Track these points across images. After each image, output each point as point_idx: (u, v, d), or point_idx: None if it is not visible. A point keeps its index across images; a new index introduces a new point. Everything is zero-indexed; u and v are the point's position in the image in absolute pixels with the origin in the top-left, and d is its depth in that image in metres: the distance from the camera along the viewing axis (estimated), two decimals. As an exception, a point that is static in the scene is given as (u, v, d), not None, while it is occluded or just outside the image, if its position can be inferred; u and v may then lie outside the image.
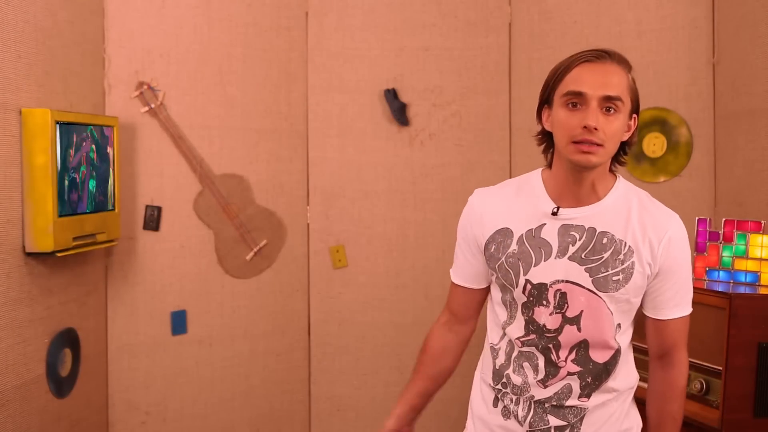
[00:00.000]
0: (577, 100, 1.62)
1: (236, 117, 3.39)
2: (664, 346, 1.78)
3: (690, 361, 2.42)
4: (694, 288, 2.42)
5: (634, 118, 1.71)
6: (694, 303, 2.35)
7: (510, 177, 3.54)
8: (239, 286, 3.42)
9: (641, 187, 3.36)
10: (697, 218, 2.65)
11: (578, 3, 3.36)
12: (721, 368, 2.30)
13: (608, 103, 1.62)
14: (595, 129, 1.60)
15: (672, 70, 3.17)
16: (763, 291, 2.38)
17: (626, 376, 1.77)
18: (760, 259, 2.49)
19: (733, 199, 2.95)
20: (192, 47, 3.28)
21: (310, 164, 3.56)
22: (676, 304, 1.75)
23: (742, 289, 2.41)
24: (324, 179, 3.57)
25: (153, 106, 3.20)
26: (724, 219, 2.60)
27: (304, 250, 3.57)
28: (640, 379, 1.84)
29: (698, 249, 2.62)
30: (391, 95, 3.52)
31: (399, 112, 3.52)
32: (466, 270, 1.86)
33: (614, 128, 1.63)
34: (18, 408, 2.48)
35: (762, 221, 2.51)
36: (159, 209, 3.24)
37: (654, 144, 3.19)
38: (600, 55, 1.65)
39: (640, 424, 1.83)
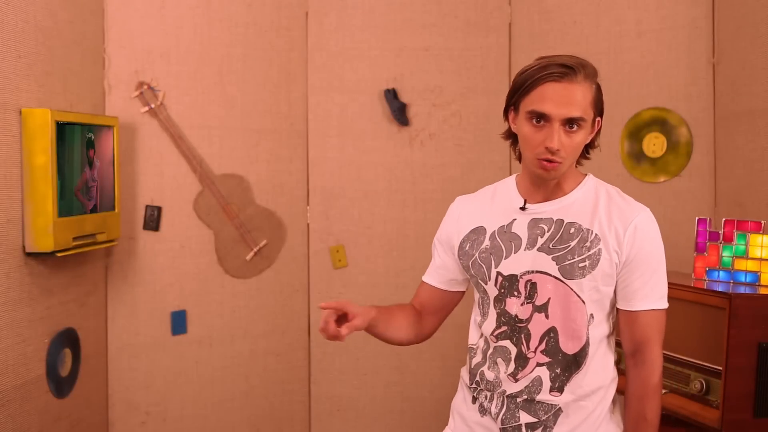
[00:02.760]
0: (540, 118, 1.68)
1: (236, 117, 3.39)
2: (635, 341, 1.77)
3: (690, 361, 2.43)
4: (694, 288, 2.44)
5: (598, 121, 1.77)
6: (694, 303, 2.36)
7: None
8: (239, 286, 3.42)
9: (641, 187, 3.37)
10: (697, 218, 2.65)
11: (578, 3, 3.36)
12: (721, 368, 2.30)
13: (571, 122, 1.68)
14: (557, 150, 1.67)
15: (672, 70, 3.17)
16: (763, 291, 2.37)
17: (599, 372, 1.76)
18: (760, 259, 2.49)
19: (733, 199, 2.95)
20: (192, 47, 3.28)
21: (310, 164, 3.57)
22: (645, 296, 1.75)
23: (742, 289, 2.41)
24: (324, 179, 3.57)
25: (153, 106, 3.20)
26: (724, 219, 2.60)
27: (304, 250, 3.57)
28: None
29: (698, 249, 2.62)
30: (391, 95, 3.52)
31: (399, 112, 3.52)
32: (438, 270, 1.95)
33: (576, 143, 1.70)
34: (18, 408, 2.48)
35: (762, 221, 2.51)
36: (159, 209, 3.24)
37: (654, 144, 3.19)
38: (566, 73, 1.67)
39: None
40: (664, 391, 2.50)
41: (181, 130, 3.27)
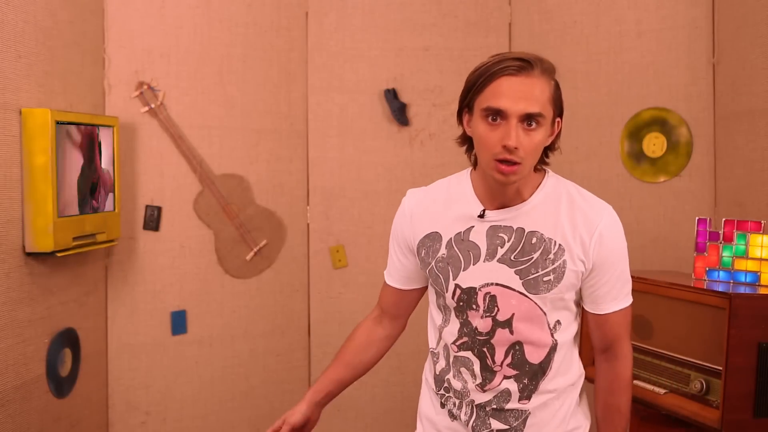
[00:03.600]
0: (497, 115, 1.58)
1: (236, 117, 3.39)
2: (606, 340, 1.77)
3: (690, 361, 2.43)
4: (694, 288, 2.44)
5: (558, 122, 1.68)
6: (694, 303, 2.36)
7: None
8: (239, 286, 3.42)
9: (641, 187, 3.37)
10: (697, 218, 2.65)
11: (578, 3, 3.36)
12: (721, 368, 2.30)
13: (528, 119, 1.58)
14: (516, 148, 1.57)
15: (672, 70, 3.17)
16: (763, 291, 2.37)
17: (565, 373, 1.74)
18: (760, 259, 2.49)
19: (733, 199, 2.95)
20: (192, 47, 3.28)
21: (310, 164, 3.57)
22: (613, 298, 1.72)
23: (742, 289, 2.41)
24: (324, 179, 3.57)
25: (153, 106, 3.20)
26: (724, 219, 2.60)
27: (304, 250, 3.57)
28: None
29: (698, 249, 2.62)
30: (391, 95, 3.52)
31: (399, 112, 3.52)
32: (399, 272, 1.87)
33: (535, 143, 1.60)
34: (18, 408, 2.48)
35: (762, 221, 2.51)
36: (159, 209, 3.24)
37: (654, 144, 3.19)
38: (522, 67, 1.58)
39: (588, 423, 1.81)
40: (663, 391, 2.50)
41: (181, 130, 3.27)
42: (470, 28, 3.57)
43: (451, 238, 1.72)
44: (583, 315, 1.80)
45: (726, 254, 2.56)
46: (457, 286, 1.70)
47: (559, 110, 1.66)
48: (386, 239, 3.57)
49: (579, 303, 1.76)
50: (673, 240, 3.06)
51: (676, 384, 2.48)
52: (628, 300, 1.75)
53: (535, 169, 1.69)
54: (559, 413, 1.74)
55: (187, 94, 3.28)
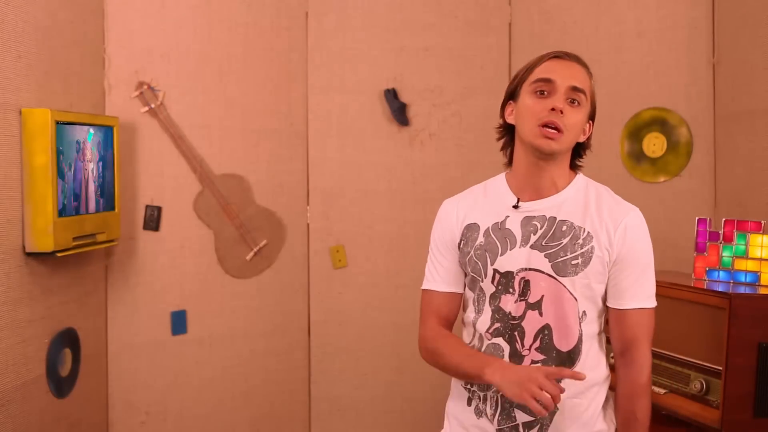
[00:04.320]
0: (546, 87, 1.72)
1: (236, 117, 3.39)
2: (624, 340, 1.78)
3: (690, 361, 2.43)
4: (694, 288, 2.44)
5: (590, 124, 1.81)
6: (694, 303, 2.36)
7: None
8: (239, 286, 3.42)
9: (641, 187, 3.37)
10: (697, 218, 2.65)
11: (578, 3, 3.36)
12: (721, 368, 2.30)
13: (574, 95, 1.72)
14: (561, 112, 1.70)
15: (672, 70, 3.17)
16: (763, 291, 2.37)
17: (592, 368, 1.76)
18: (760, 259, 2.49)
19: (733, 199, 2.95)
20: (192, 47, 3.28)
21: (310, 164, 3.57)
22: (634, 294, 1.76)
23: (742, 289, 2.41)
24: (324, 179, 3.57)
25: (153, 106, 3.20)
26: (724, 219, 2.60)
27: (304, 250, 3.57)
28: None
29: (698, 249, 2.62)
30: (391, 95, 3.52)
31: (399, 112, 3.52)
32: (445, 274, 1.88)
33: (576, 119, 1.73)
34: (18, 408, 2.48)
35: (762, 221, 2.51)
36: (159, 209, 3.24)
37: (654, 144, 3.19)
38: (568, 55, 1.77)
39: (612, 429, 1.82)
40: (663, 391, 2.50)
41: (181, 130, 3.27)
42: (470, 28, 3.57)
43: (488, 227, 1.81)
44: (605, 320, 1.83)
45: (726, 254, 2.56)
46: (495, 270, 1.78)
47: (593, 110, 1.81)
48: (386, 239, 3.60)
49: (604, 300, 1.80)
50: (673, 240, 3.06)
51: (676, 384, 2.48)
52: (650, 302, 1.79)
53: (571, 168, 1.83)
54: (586, 414, 1.76)
55: (187, 94, 3.28)
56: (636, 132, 3.22)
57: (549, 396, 1.58)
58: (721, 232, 2.58)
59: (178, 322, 3.29)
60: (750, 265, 2.51)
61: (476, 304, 1.83)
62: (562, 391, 1.60)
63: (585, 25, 3.34)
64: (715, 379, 2.34)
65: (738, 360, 2.26)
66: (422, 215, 3.59)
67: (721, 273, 2.56)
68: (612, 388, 1.86)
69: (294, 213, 3.53)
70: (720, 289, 2.40)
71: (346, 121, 3.57)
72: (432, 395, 3.58)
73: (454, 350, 1.81)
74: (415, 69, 3.56)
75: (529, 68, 1.77)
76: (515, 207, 1.80)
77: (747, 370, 2.26)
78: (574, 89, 1.72)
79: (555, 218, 1.76)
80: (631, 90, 3.24)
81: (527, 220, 1.78)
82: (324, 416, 3.62)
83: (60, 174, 2.56)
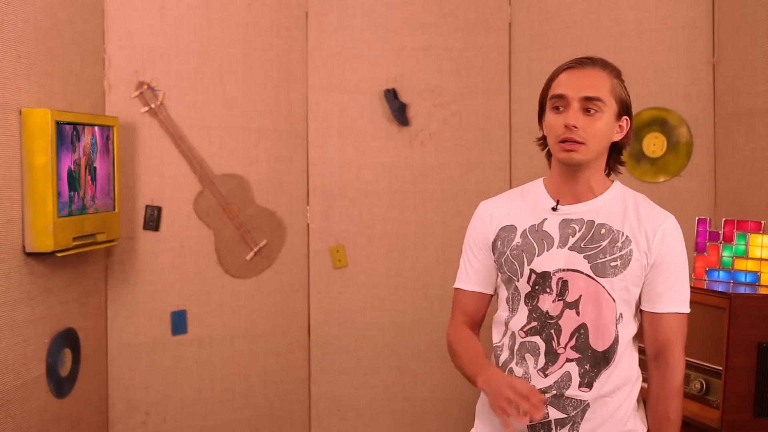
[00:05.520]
0: (560, 103, 1.77)
1: (236, 117, 3.39)
2: (657, 344, 1.80)
3: (690, 361, 2.43)
4: (694, 288, 2.43)
5: (626, 120, 1.85)
6: (694, 303, 2.35)
7: (510, 177, 3.55)
8: (239, 286, 3.42)
9: (641, 187, 3.37)
10: (697, 218, 2.65)
11: (578, 3, 3.36)
12: (721, 368, 2.30)
13: (588, 104, 1.75)
14: (575, 127, 1.73)
15: (672, 70, 3.17)
16: (763, 291, 2.38)
17: (626, 369, 1.79)
18: (760, 259, 2.49)
19: (733, 199, 2.95)
20: (192, 47, 3.28)
21: (310, 164, 3.57)
22: (669, 299, 1.79)
23: (742, 289, 2.41)
24: (324, 179, 3.57)
25: (153, 106, 3.20)
26: (724, 219, 2.60)
27: (304, 250, 3.57)
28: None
29: (698, 249, 2.62)
30: (391, 95, 3.52)
31: (399, 112, 3.52)
32: (477, 275, 1.92)
33: (596, 127, 1.76)
34: (18, 408, 2.48)
35: (762, 221, 2.51)
36: (159, 209, 3.24)
37: (654, 144, 3.19)
38: (582, 62, 1.81)
39: (644, 430, 1.84)
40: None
41: (181, 130, 3.27)
42: (470, 28, 3.57)
43: (525, 229, 1.84)
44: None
45: (726, 254, 2.56)
46: (531, 271, 1.80)
47: (623, 107, 1.82)
48: (386, 239, 3.60)
49: (639, 305, 1.82)
50: (673, 240, 3.05)
51: (676, 384, 2.48)
52: (684, 307, 1.81)
53: (608, 176, 1.87)
54: (618, 413, 1.78)
55: (187, 94, 3.28)
56: (636, 132, 3.22)
57: (515, 411, 1.61)
58: (721, 232, 2.58)
59: (178, 322, 3.29)
60: (750, 265, 2.51)
61: (510, 303, 1.85)
62: (541, 404, 1.62)
63: (585, 25, 3.34)
64: (715, 379, 2.34)
65: (738, 360, 2.26)
66: (422, 215, 3.59)
67: (721, 273, 2.56)
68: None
69: (294, 213, 3.53)
70: (720, 289, 2.40)
71: (346, 121, 3.57)
72: (432, 395, 3.58)
73: (464, 351, 1.86)
74: (415, 69, 3.56)
75: (548, 83, 1.82)
76: (554, 209, 1.82)
77: (747, 370, 2.26)
78: (587, 99, 1.75)
79: (593, 222, 1.79)
80: (630, 90, 3.18)
81: (565, 223, 1.81)
82: (324, 416, 3.62)
83: (60, 174, 2.56)
